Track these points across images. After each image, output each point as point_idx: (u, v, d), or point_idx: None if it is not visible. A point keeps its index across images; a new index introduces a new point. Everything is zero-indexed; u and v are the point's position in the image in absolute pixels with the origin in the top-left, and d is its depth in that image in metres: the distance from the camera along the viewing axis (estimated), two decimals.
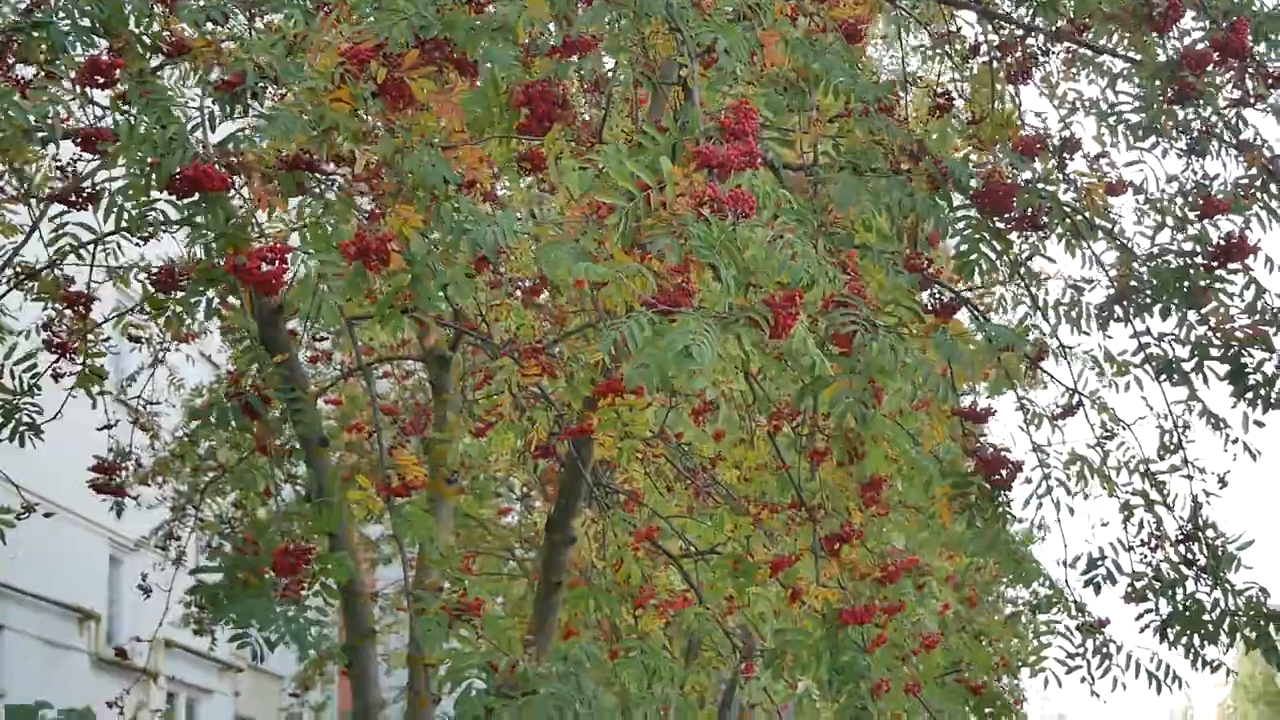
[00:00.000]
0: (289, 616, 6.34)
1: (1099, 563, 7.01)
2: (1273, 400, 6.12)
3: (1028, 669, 8.18)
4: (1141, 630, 6.98)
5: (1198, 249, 6.57)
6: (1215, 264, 6.48)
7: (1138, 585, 6.98)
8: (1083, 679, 7.15)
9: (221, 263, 5.94)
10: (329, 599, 6.74)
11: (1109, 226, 6.94)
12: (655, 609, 7.03)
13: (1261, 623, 6.80)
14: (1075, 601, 7.28)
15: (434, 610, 6.49)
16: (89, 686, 24.98)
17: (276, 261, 5.84)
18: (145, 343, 10.62)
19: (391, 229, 5.57)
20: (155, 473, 13.78)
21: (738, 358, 5.79)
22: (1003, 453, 6.76)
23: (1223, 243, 6.44)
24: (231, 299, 6.97)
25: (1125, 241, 6.98)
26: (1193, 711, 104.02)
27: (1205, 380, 6.58)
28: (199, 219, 6.11)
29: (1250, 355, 6.44)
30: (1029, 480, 6.94)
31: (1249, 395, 6.19)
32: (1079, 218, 6.81)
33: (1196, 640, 6.87)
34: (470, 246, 5.52)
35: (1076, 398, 7.15)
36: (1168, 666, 7.14)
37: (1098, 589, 6.99)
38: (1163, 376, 6.81)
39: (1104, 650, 7.13)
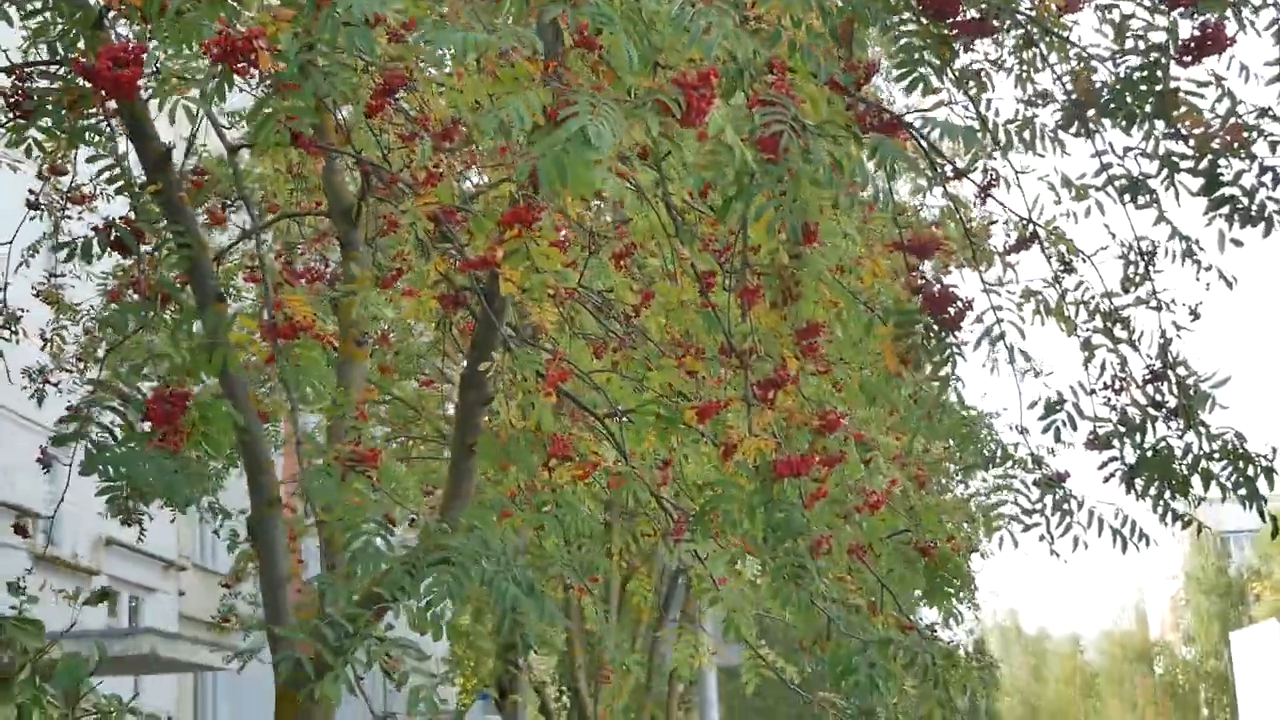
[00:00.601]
0: (161, 465, 5.63)
1: (1058, 407, 6.34)
2: (1253, 213, 5.40)
3: (984, 529, 7.54)
4: (1106, 480, 6.32)
5: (1167, 43, 5.88)
6: (1188, 59, 5.81)
7: (1100, 431, 6.32)
8: (1041, 537, 6.48)
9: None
10: (211, 452, 6.07)
11: (1065, 34, 6.23)
12: (574, 466, 6.33)
13: (1240, 464, 6.18)
14: (1032, 454, 6.64)
15: (326, 461, 5.88)
16: (32, 586, 24.43)
17: (130, 63, 5.19)
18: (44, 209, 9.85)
19: (261, 25, 4.90)
20: (78, 358, 13.16)
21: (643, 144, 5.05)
22: (951, 289, 6.11)
23: (1196, 34, 5.76)
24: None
25: (1084, 51, 6.26)
26: (1144, 604, 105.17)
27: (1176, 197, 5.91)
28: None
29: (1227, 165, 5.80)
30: (980, 320, 6.30)
31: (1225, 210, 5.49)
32: (1033, 28, 6.14)
33: (1166, 490, 6.25)
34: (348, 43, 4.83)
35: (1031, 228, 6.49)
36: (1133, 522, 6.51)
37: (1058, 435, 6.34)
38: (1127, 197, 6.13)
39: (1064, 506, 6.46)
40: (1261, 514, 6.20)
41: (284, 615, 7.44)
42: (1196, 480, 6.24)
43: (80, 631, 24.05)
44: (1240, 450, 6.24)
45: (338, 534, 6.38)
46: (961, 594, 7.03)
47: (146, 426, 5.69)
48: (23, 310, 11.38)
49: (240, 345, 5.83)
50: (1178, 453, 6.21)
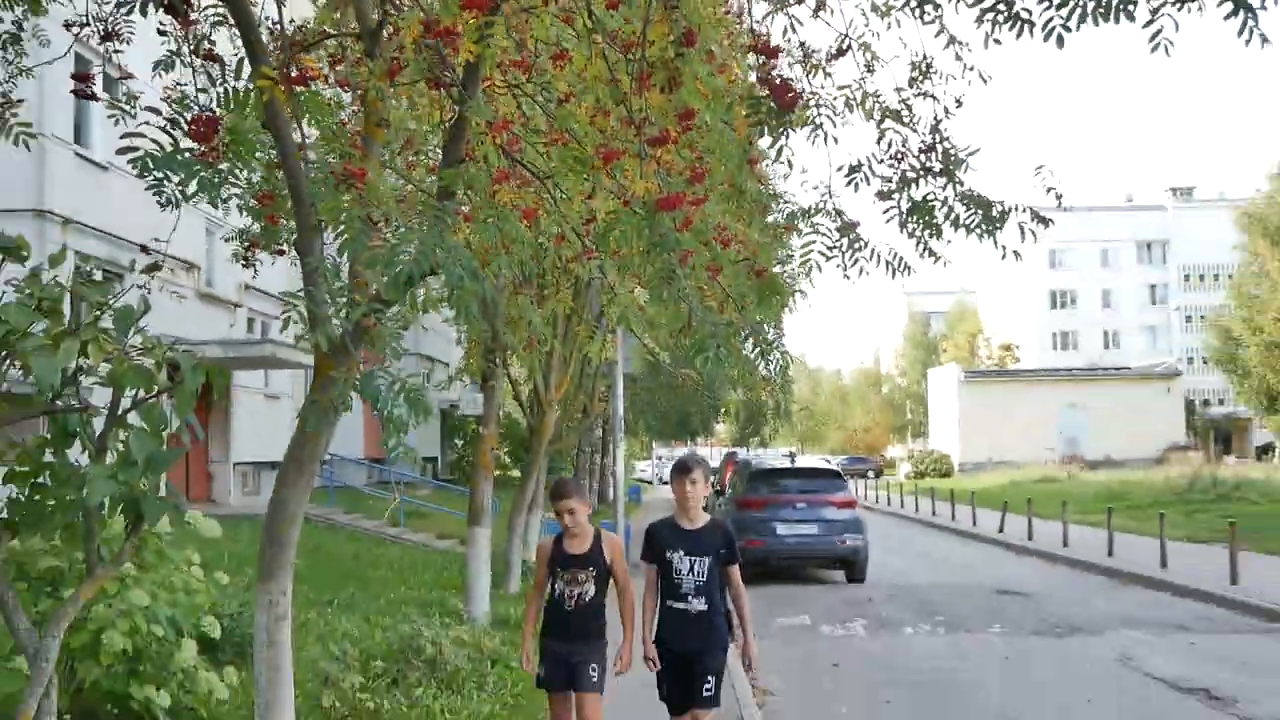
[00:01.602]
0: (192, 168, 4.59)
1: (857, 169, 5.47)
2: (1011, 14, 4.42)
3: (798, 260, 6.68)
4: (886, 222, 5.52)
5: None
6: None
7: (886, 188, 5.48)
8: (837, 265, 5.62)
9: None
10: (239, 162, 5.01)
11: None
12: (514, 193, 5.28)
13: (983, 210, 5.36)
14: (836, 209, 5.74)
15: (324, 174, 4.88)
16: (198, 314, 23.52)
17: None
18: None
19: None
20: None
21: None
22: (788, 81, 5.13)
23: None
24: None
25: None
26: (880, 353, 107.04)
27: (956, 8, 4.92)
28: None
29: None
30: (807, 106, 5.34)
31: (990, 15, 4.51)
32: None
33: (927, 231, 5.43)
34: None
35: (846, 41, 5.50)
36: (901, 258, 5.70)
37: (856, 188, 5.49)
38: (919, 11, 5.15)
39: (855, 245, 5.60)
40: (995, 244, 5.39)
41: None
42: (948, 227, 5.40)
43: (228, 340, 23.11)
44: (982, 199, 5.35)
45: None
46: (784, 305, 6.30)
47: (189, 144, 4.65)
48: None
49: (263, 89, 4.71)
50: (938, 204, 5.33)
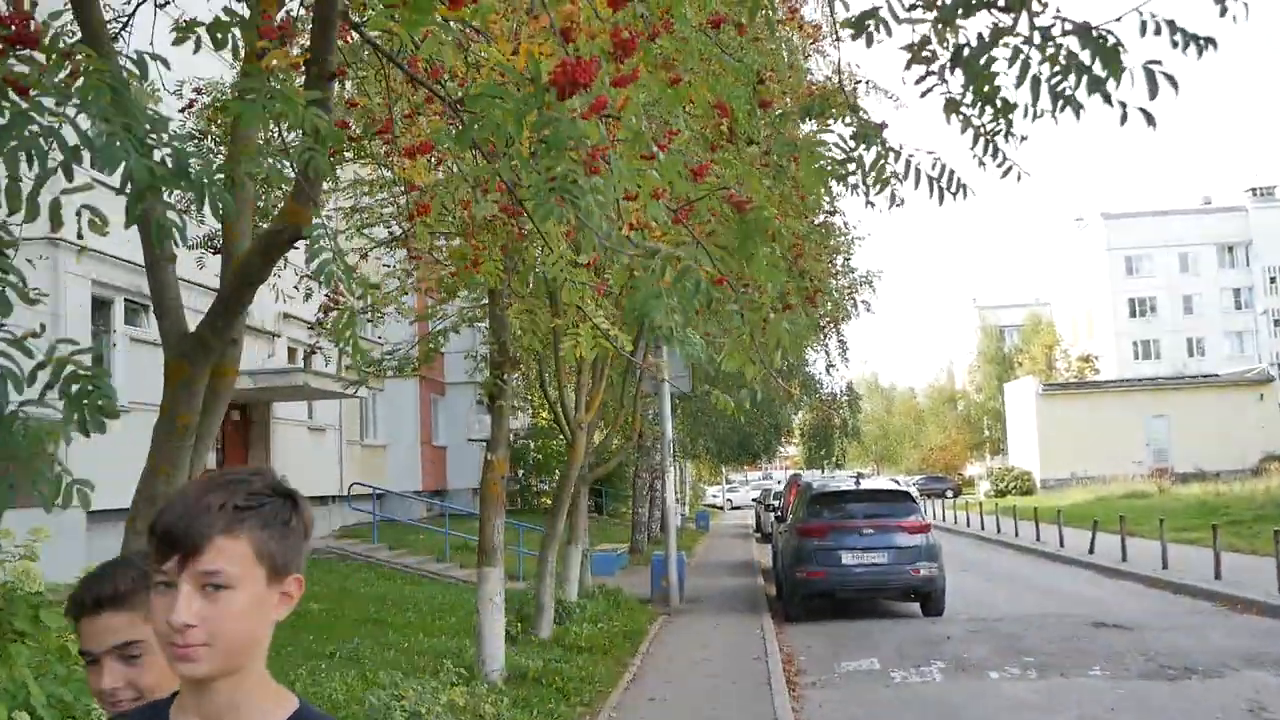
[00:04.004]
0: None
1: (870, 15, 3.46)
2: None
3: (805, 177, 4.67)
4: (923, 95, 3.44)
5: None
6: None
7: (917, 31, 3.26)
8: (854, 187, 3.64)
9: None
10: None
11: None
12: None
13: (1075, 63, 3.22)
14: (851, 104, 3.76)
15: None
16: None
17: None
18: None
19: None
20: None
21: None
22: None
23: None
24: None
25: None
26: (953, 368, 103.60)
27: None
28: None
29: None
30: None
31: None
32: None
33: (987, 108, 3.33)
34: None
35: None
36: (950, 171, 3.71)
37: (869, 41, 3.42)
38: None
39: (881, 154, 3.61)
40: (1109, 100, 3.22)
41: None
42: (1024, 94, 3.14)
43: (257, 370, 21.65)
44: (1083, 29, 2.99)
45: None
46: (779, 255, 4.19)
47: None
48: None
49: None
50: (1004, 53, 3.13)
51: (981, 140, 3.36)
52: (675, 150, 3.71)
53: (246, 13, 3.12)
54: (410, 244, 9.28)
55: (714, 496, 70.99)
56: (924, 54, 3.14)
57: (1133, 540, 23.61)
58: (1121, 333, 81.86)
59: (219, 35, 2.96)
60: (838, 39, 9.14)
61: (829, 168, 3.60)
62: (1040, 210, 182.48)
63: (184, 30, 3.18)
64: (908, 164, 3.58)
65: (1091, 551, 24.71)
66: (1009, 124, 3.30)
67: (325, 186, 11.48)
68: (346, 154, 9.10)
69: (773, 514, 27.67)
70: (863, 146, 3.47)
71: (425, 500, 31.54)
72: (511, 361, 11.35)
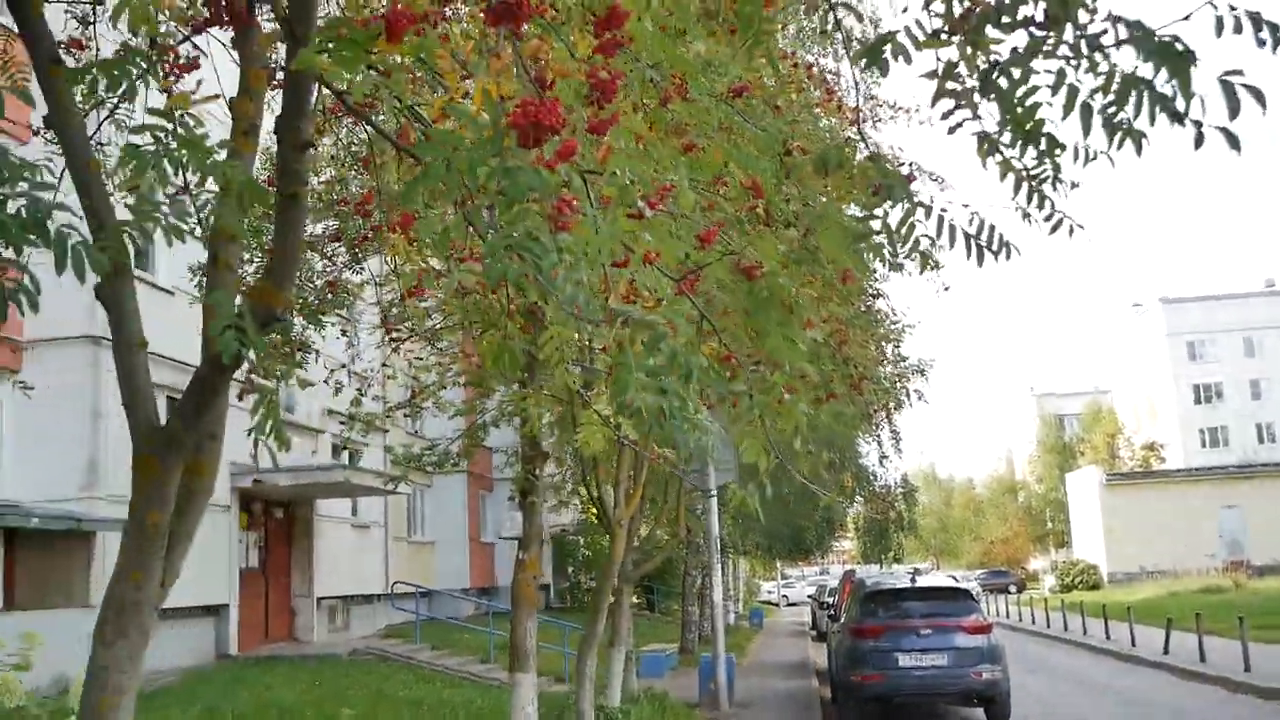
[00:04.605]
0: None
1: (886, 40, 2.93)
2: None
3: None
4: (951, 130, 2.83)
5: None
6: None
7: (939, 59, 2.88)
8: (880, 248, 3.12)
9: None
10: None
11: None
12: None
13: (1133, 80, 2.64)
14: (871, 153, 3.26)
15: None
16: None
17: None
18: None
19: None
20: None
21: None
22: None
23: None
24: None
25: None
26: (1012, 458, 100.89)
27: None
28: None
29: None
30: None
31: None
32: None
33: (1028, 146, 2.77)
34: None
35: None
36: (991, 227, 3.17)
37: (884, 69, 2.83)
38: None
39: (909, 211, 3.09)
40: (1179, 120, 2.62)
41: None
42: (1072, 125, 2.65)
43: (296, 468, 21.32)
44: (1143, 32, 2.43)
45: None
46: (796, 341, 3.62)
47: None
48: None
49: None
50: (1041, 67, 2.57)
51: (1025, 186, 2.85)
52: (666, 210, 3.23)
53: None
54: (431, 336, 8.85)
55: (769, 592, 69.16)
56: (950, 83, 2.63)
57: (1210, 639, 22.15)
58: (1187, 420, 79.43)
59: (115, 73, 2.58)
60: (877, 120, 8.68)
61: (849, 226, 3.10)
62: (1096, 297, 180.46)
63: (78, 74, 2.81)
64: (940, 220, 3.07)
65: (1166, 651, 23.24)
66: (1056, 167, 2.79)
67: (355, 279, 11.17)
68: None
69: (827, 612, 26.56)
70: (887, 203, 2.96)
71: (473, 599, 30.85)
72: (543, 455, 10.86)
